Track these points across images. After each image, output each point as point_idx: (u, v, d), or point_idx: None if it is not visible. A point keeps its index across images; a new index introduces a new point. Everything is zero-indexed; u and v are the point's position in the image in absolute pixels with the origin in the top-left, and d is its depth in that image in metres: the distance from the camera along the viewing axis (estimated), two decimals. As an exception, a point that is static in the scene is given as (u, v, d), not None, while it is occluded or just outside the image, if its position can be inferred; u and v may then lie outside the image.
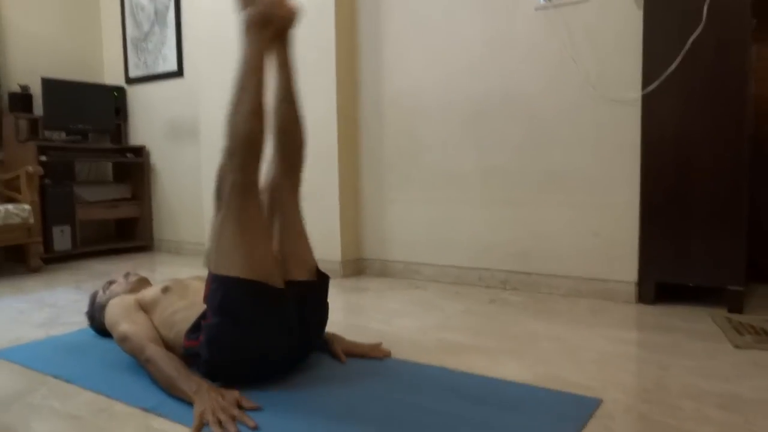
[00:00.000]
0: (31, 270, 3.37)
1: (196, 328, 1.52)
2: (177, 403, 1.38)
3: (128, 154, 4.22)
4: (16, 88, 3.93)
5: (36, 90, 3.97)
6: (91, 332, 1.99)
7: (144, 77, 4.31)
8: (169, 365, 1.45)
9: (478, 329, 2.04)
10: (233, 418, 1.27)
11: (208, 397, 1.33)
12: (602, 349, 1.78)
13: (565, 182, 2.53)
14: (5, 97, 3.89)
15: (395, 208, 3.07)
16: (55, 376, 1.60)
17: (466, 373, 1.59)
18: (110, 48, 4.52)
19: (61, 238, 3.74)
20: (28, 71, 4.06)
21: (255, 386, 1.46)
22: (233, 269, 1.42)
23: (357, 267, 3.19)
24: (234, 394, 1.36)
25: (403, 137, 3.00)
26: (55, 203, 3.69)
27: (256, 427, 1.26)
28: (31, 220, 3.31)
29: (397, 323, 2.14)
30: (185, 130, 4.09)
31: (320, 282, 1.62)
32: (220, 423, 1.25)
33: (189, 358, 1.53)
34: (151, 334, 1.59)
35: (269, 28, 1.54)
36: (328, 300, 1.66)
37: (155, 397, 1.43)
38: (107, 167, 4.52)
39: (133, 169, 4.33)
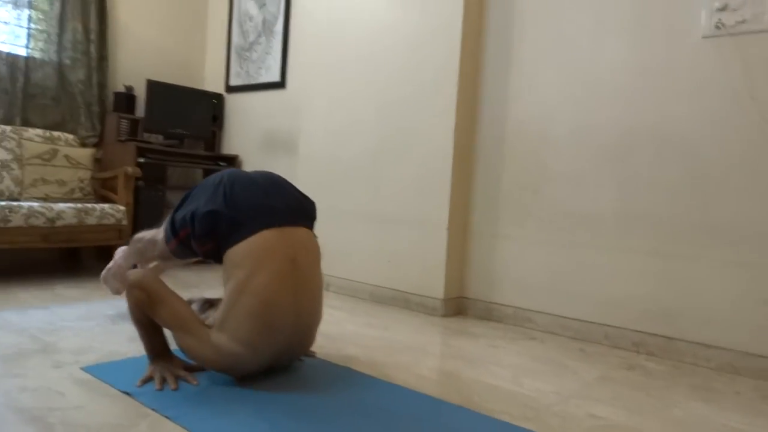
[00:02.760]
0: (117, 273, 3.27)
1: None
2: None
3: (221, 163, 4.12)
4: (121, 88, 3.93)
5: (139, 91, 3.96)
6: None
7: (244, 86, 4.23)
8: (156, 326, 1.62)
9: (630, 405, 1.70)
10: (176, 377, 1.57)
11: (160, 362, 1.61)
12: (809, 456, 1.42)
13: (731, 237, 2.17)
14: (110, 97, 3.89)
15: (508, 245, 2.77)
16: (156, 410, 1.40)
17: (644, 469, 1.27)
18: (213, 55, 4.49)
19: (149, 242, 3.64)
20: (133, 72, 4.06)
21: None
22: None
23: (458, 306, 2.90)
24: (184, 362, 1.64)
25: (524, 168, 2.72)
26: (147, 206, 3.61)
27: (196, 384, 1.57)
28: (125, 222, 3.22)
29: (527, 384, 1.83)
30: (282, 142, 3.97)
31: None
32: (164, 381, 1.55)
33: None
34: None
35: None
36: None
37: (275, 456, 1.19)
38: (197, 174, 4.45)
39: (224, 178, 4.22)
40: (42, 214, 2.81)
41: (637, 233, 2.39)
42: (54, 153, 3.30)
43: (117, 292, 2.27)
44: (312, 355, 1.94)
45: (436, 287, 2.82)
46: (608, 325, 2.44)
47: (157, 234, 1.91)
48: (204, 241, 1.64)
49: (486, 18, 2.86)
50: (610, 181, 2.46)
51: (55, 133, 3.42)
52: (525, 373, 1.96)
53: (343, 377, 1.75)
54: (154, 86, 3.84)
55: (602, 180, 2.48)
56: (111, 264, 2.25)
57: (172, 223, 1.71)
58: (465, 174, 2.88)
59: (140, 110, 3.95)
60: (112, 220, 3.13)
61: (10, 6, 3.41)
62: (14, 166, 3.18)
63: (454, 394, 1.68)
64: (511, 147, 2.77)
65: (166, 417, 1.36)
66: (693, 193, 2.26)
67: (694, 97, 2.26)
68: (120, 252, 2.26)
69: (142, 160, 3.59)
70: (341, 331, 2.34)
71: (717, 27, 2.20)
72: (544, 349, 2.32)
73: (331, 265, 3.27)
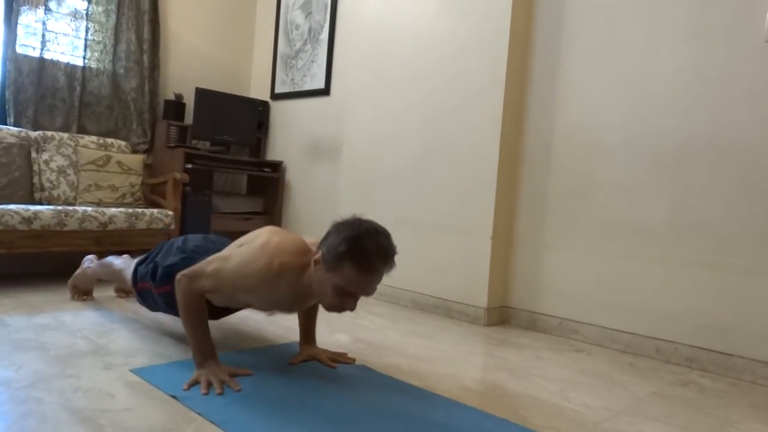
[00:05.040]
0: (165, 276, 3.35)
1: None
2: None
3: (266, 169, 4.19)
4: (171, 96, 4.03)
5: (188, 99, 4.06)
6: (238, 361, 1.81)
7: (289, 93, 4.29)
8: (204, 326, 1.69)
9: (686, 425, 1.63)
10: (221, 382, 1.59)
11: (206, 366, 1.64)
12: None
13: (792, 250, 2.06)
14: (161, 104, 4.00)
15: (554, 255, 2.71)
16: (202, 415, 1.41)
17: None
18: (260, 63, 4.57)
19: (195, 246, 3.72)
20: (183, 81, 4.16)
21: None
22: None
23: (501, 316, 2.85)
24: (230, 368, 1.67)
25: (573, 176, 2.66)
26: (194, 211, 3.69)
27: (239, 390, 1.57)
28: (173, 227, 3.30)
29: (575, 399, 1.78)
30: (325, 149, 4.00)
31: None
32: (209, 385, 1.57)
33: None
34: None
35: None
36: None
37: (318, 465, 1.19)
38: (242, 179, 4.53)
39: (268, 183, 4.29)
40: (95, 218, 2.90)
41: (691, 245, 2.30)
42: (107, 159, 3.41)
43: (85, 293, 2.61)
44: (351, 361, 1.94)
45: (479, 296, 2.77)
46: (660, 339, 2.35)
47: (123, 267, 2.25)
48: (163, 284, 1.87)
49: (534, 26, 2.82)
50: (664, 191, 2.38)
51: (109, 140, 3.54)
52: (572, 386, 1.90)
53: (385, 386, 1.73)
54: (202, 94, 3.93)
55: (656, 189, 2.40)
56: (79, 271, 2.59)
57: (135, 274, 2.03)
58: (510, 182, 2.84)
59: (189, 117, 4.05)
60: (160, 225, 3.21)
61: (69, 19, 3.55)
62: (70, 171, 3.30)
63: (499, 407, 1.65)
64: (559, 155, 2.71)
65: (212, 422, 1.38)
66: (753, 204, 2.16)
67: (755, 103, 2.16)
68: (88, 261, 2.58)
69: (189, 166, 3.68)
70: (384, 339, 2.33)
71: (779, 29, 2.10)
72: (592, 362, 2.25)
73: (373, 272, 3.26)
